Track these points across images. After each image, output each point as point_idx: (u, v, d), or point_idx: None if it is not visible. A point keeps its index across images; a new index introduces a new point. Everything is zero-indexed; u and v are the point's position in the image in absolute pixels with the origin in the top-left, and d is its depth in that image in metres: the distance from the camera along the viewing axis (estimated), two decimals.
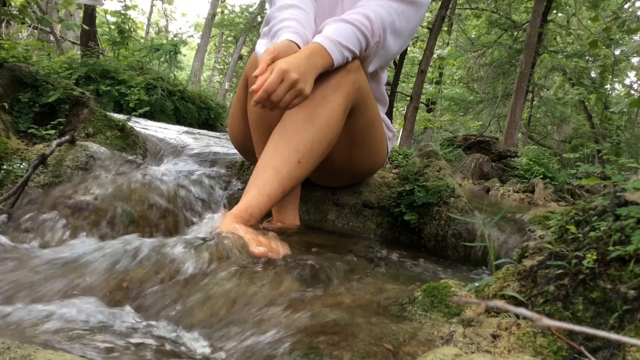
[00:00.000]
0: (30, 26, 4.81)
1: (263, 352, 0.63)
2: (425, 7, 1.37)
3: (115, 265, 0.87)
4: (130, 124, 1.85)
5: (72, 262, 0.89)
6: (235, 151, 1.71)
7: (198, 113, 4.56)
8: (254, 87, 1.02)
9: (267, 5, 1.40)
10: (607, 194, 0.75)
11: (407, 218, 1.51)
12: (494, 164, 4.11)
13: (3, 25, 4.07)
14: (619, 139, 10.30)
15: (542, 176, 3.55)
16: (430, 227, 1.49)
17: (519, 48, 8.85)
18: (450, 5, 7.52)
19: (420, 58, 8.40)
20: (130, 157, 1.53)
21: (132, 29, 5.10)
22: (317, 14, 1.33)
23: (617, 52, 9.81)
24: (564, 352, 0.58)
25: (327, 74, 1.17)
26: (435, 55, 9.48)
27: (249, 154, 1.55)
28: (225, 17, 15.84)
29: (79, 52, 5.00)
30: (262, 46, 1.25)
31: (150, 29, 18.84)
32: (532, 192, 2.92)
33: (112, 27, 5.01)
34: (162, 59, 5.52)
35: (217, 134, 3.24)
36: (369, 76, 1.34)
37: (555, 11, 9.53)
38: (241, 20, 15.07)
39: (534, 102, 10.76)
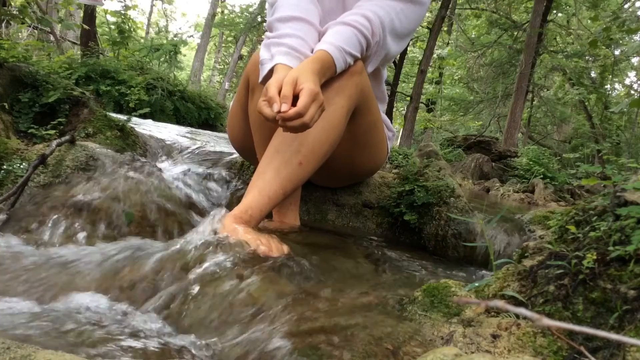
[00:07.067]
0: (30, 26, 4.82)
1: (263, 352, 0.63)
2: (425, 6, 1.36)
3: (115, 265, 0.87)
4: (129, 124, 1.85)
5: (72, 261, 0.89)
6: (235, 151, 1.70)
7: (198, 113, 4.56)
8: (284, 110, 0.99)
9: (267, 6, 1.39)
10: (607, 194, 0.75)
11: (407, 218, 1.51)
12: (494, 164, 4.11)
13: (3, 25, 4.07)
14: (619, 139, 10.30)
15: (542, 176, 3.55)
16: (430, 227, 1.49)
17: (519, 48, 8.85)
18: (450, 5, 7.52)
19: (420, 58, 8.41)
20: (130, 157, 1.52)
21: (132, 29, 5.11)
22: (321, 17, 1.32)
23: (617, 52, 9.82)
24: (564, 352, 0.58)
25: None
26: (435, 55, 9.48)
27: (249, 155, 1.55)
28: (225, 17, 15.84)
29: (79, 52, 5.01)
30: (264, 52, 1.23)
31: (150, 29, 18.83)
32: (532, 192, 2.92)
33: (112, 27, 5.01)
34: (162, 59, 5.52)
35: (217, 134, 3.24)
36: (370, 75, 1.34)
37: (555, 11, 9.53)
38: (241, 20, 15.06)
39: (534, 102, 10.76)
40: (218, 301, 0.78)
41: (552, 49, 9.87)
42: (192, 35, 19.82)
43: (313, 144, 1.16)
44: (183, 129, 2.99)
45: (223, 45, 19.49)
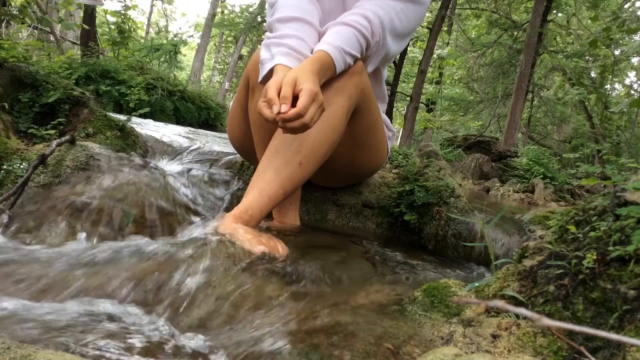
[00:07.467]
0: (30, 26, 4.82)
1: (263, 351, 0.63)
2: (425, 5, 1.36)
3: (114, 265, 0.87)
4: (130, 124, 1.85)
5: (70, 260, 0.89)
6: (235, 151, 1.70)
7: (198, 113, 4.56)
8: (284, 110, 0.99)
9: (266, 6, 1.39)
10: (607, 194, 0.75)
11: (407, 218, 1.51)
12: (494, 164, 4.12)
13: (3, 25, 4.07)
14: (619, 139, 10.30)
15: (542, 176, 3.55)
16: (430, 227, 1.49)
17: (519, 48, 8.86)
18: (450, 5, 7.52)
19: (420, 58, 8.41)
20: (130, 157, 1.52)
21: (132, 29, 5.10)
22: (321, 18, 1.32)
23: (617, 52, 9.82)
24: (564, 352, 0.58)
25: None
26: (435, 55, 9.48)
27: (249, 155, 1.55)
28: (225, 17, 15.85)
29: (79, 52, 5.01)
30: (265, 52, 1.23)
31: (150, 29, 18.83)
32: (532, 192, 2.92)
33: (112, 27, 5.01)
34: (162, 59, 5.52)
35: (217, 134, 3.24)
36: (370, 75, 1.34)
37: (555, 11, 9.54)
38: (241, 20, 15.07)
39: (534, 102, 10.77)
40: (217, 301, 0.78)
41: (552, 49, 9.88)
42: (192, 35, 19.83)
43: (313, 144, 1.16)
44: (183, 129, 2.99)
45: (223, 45, 19.50)
